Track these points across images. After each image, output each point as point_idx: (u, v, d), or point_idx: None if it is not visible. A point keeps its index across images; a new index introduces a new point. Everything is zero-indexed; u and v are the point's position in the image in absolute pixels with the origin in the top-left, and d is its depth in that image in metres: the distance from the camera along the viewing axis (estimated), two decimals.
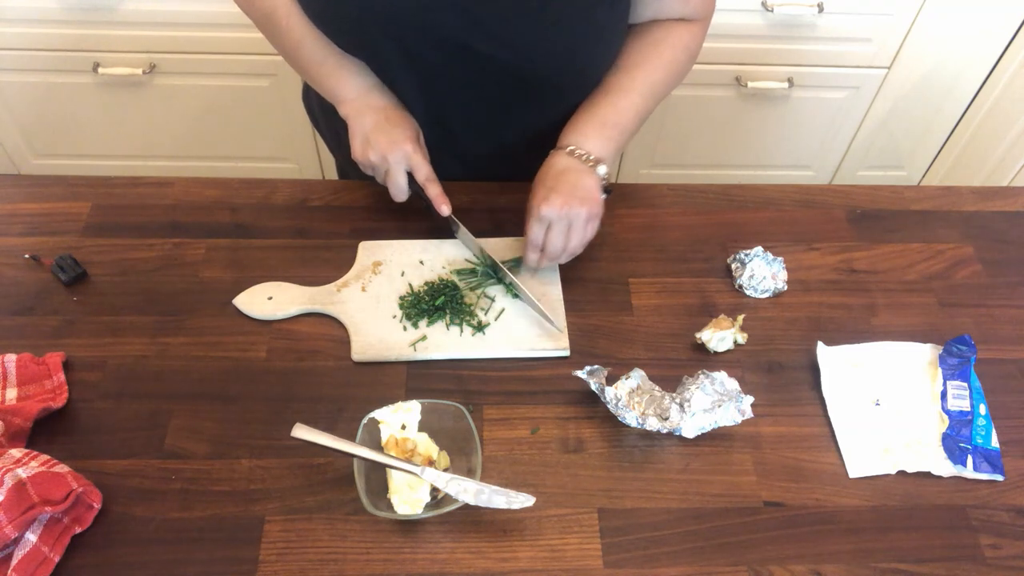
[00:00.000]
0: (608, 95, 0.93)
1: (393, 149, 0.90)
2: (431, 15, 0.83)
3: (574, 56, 0.89)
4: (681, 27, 0.95)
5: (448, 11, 0.83)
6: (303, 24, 0.90)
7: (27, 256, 0.93)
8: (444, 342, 0.88)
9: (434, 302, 0.90)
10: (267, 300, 0.90)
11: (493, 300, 0.92)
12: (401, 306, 0.91)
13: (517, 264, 0.95)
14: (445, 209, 0.93)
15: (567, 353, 0.87)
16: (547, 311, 0.89)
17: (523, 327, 0.89)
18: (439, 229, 0.98)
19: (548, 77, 0.91)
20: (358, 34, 0.88)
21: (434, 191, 0.93)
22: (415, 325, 0.89)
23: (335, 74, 0.93)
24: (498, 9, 0.82)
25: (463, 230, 0.96)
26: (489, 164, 1.05)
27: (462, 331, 0.89)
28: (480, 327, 0.89)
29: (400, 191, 0.93)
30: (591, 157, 0.90)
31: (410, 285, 0.93)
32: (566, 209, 0.86)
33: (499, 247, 0.97)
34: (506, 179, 1.05)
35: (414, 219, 1.00)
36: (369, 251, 0.97)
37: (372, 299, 0.91)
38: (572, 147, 0.90)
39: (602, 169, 0.90)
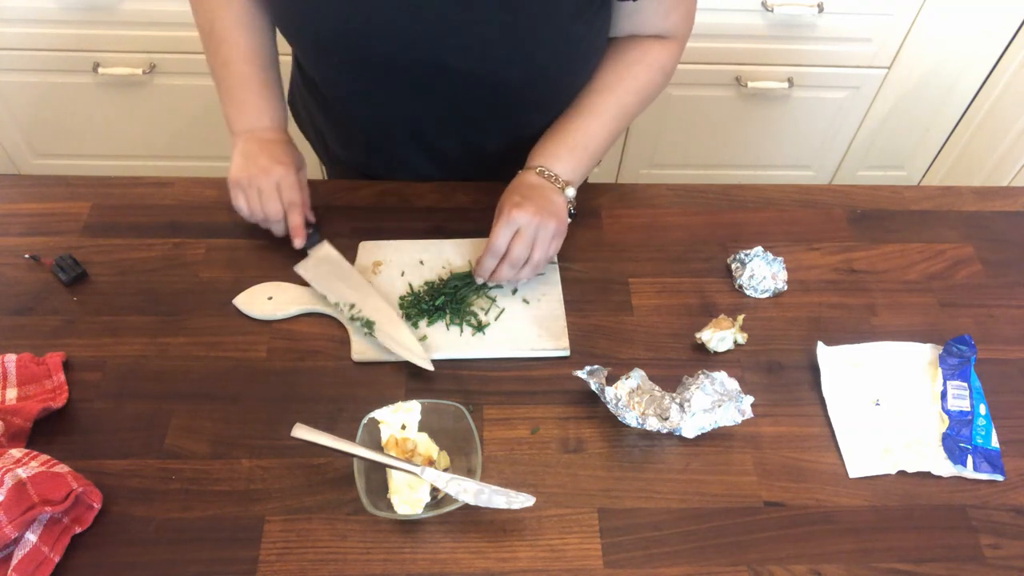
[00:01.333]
0: (580, 117, 0.93)
1: (264, 173, 0.90)
2: (407, 35, 0.83)
3: (550, 71, 0.89)
4: (658, 46, 0.94)
5: (423, 30, 0.82)
6: (231, 51, 0.91)
7: (27, 256, 0.93)
8: (444, 342, 0.87)
9: (434, 302, 0.90)
10: (267, 300, 0.90)
11: (494, 300, 0.92)
12: (401, 306, 0.91)
13: (463, 283, 0.92)
14: (298, 242, 0.93)
15: (567, 353, 0.87)
16: (538, 318, 0.89)
17: (523, 327, 0.89)
18: (438, 229, 0.98)
19: (524, 91, 0.91)
20: (335, 53, 0.88)
21: (295, 221, 0.92)
22: (415, 325, 0.89)
23: (239, 107, 0.93)
24: (474, 27, 0.82)
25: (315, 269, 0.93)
26: (466, 169, 1.05)
27: (462, 331, 0.89)
28: (480, 327, 0.89)
29: (274, 216, 0.91)
30: (560, 179, 0.91)
31: (410, 285, 0.93)
32: (538, 218, 0.86)
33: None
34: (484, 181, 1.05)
35: (414, 219, 1.00)
36: (369, 251, 0.96)
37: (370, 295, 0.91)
38: (542, 168, 0.91)
39: (570, 191, 0.91)
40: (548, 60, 0.87)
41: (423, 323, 0.89)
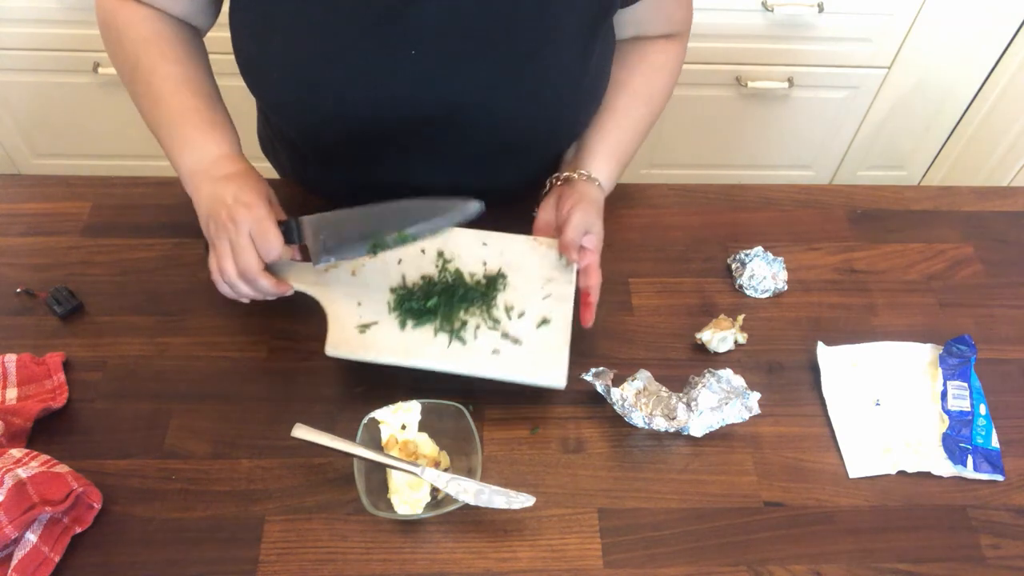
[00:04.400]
0: (620, 129, 0.93)
1: (237, 211, 0.75)
2: (414, 99, 0.81)
3: (560, 115, 0.88)
4: (672, 46, 0.95)
5: (429, 93, 0.80)
6: (163, 84, 0.81)
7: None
8: (428, 350, 0.79)
9: (425, 302, 0.82)
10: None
11: (491, 317, 0.82)
12: (391, 300, 0.83)
13: (462, 287, 0.83)
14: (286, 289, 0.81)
15: (562, 386, 0.78)
16: (538, 342, 0.80)
17: (518, 350, 0.80)
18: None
19: (534, 137, 0.90)
20: (336, 125, 0.84)
21: (271, 286, 0.79)
22: (402, 325, 0.81)
23: (180, 143, 0.81)
24: (482, 84, 0.80)
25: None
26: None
27: (450, 342, 0.80)
28: (462, 338, 0.80)
29: (270, 247, 0.76)
30: (603, 190, 0.91)
31: (403, 276, 0.84)
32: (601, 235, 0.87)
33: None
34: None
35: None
36: None
37: (361, 286, 0.83)
38: (600, 183, 0.90)
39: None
40: (556, 106, 0.86)
41: (410, 324, 0.81)
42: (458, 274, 0.85)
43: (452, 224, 0.78)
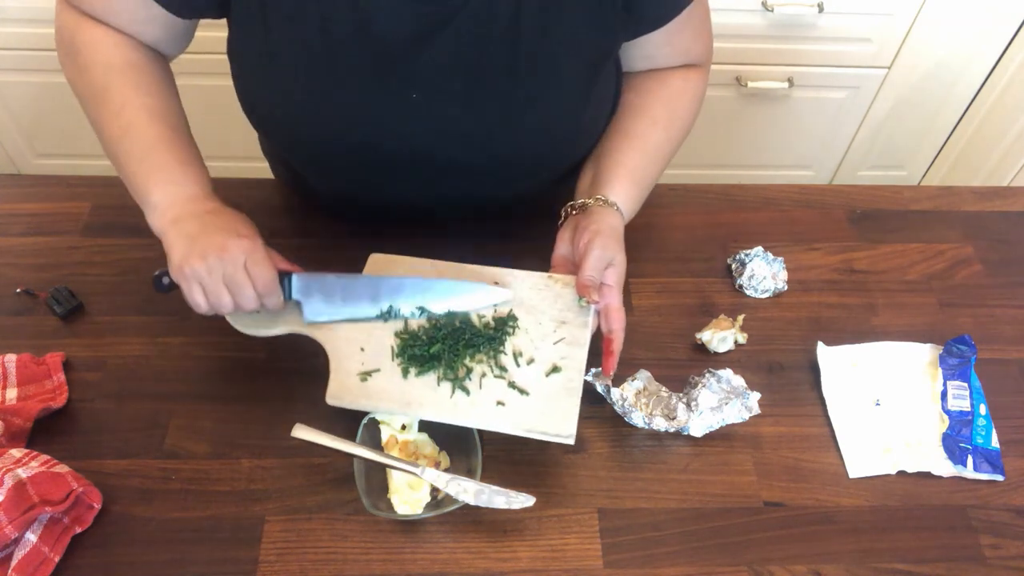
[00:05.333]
0: (644, 158, 0.89)
1: (223, 252, 0.71)
2: (414, 139, 0.81)
3: (560, 151, 0.87)
4: (692, 74, 0.91)
5: (429, 134, 0.80)
6: (136, 114, 0.77)
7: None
8: (429, 399, 0.75)
9: (429, 348, 0.77)
10: (256, 313, 0.79)
11: (498, 362, 0.78)
12: (396, 345, 0.78)
13: (468, 331, 0.78)
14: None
15: (571, 441, 0.73)
16: (547, 390, 0.76)
17: (524, 401, 0.75)
18: (454, 246, 0.87)
19: (533, 170, 0.89)
20: (335, 161, 0.84)
21: (273, 307, 0.77)
22: (404, 373, 0.76)
23: (154, 175, 0.76)
24: (483, 127, 0.80)
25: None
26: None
27: (452, 392, 0.76)
28: (463, 388, 0.76)
29: (249, 307, 0.74)
30: (624, 217, 0.87)
31: (405, 322, 0.79)
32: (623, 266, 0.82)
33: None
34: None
35: (422, 227, 0.97)
36: (378, 266, 0.85)
37: (365, 331, 0.79)
38: (619, 207, 0.85)
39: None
40: (559, 141, 0.85)
41: (412, 372, 0.76)
42: (465, 317, 0.80)
43: (476, 309, 0.79)
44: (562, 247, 0.85)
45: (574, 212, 0.86)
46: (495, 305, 0.81)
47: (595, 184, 0.87)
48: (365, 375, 0.77)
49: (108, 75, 0.78)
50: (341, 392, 0.76)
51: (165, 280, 0.76)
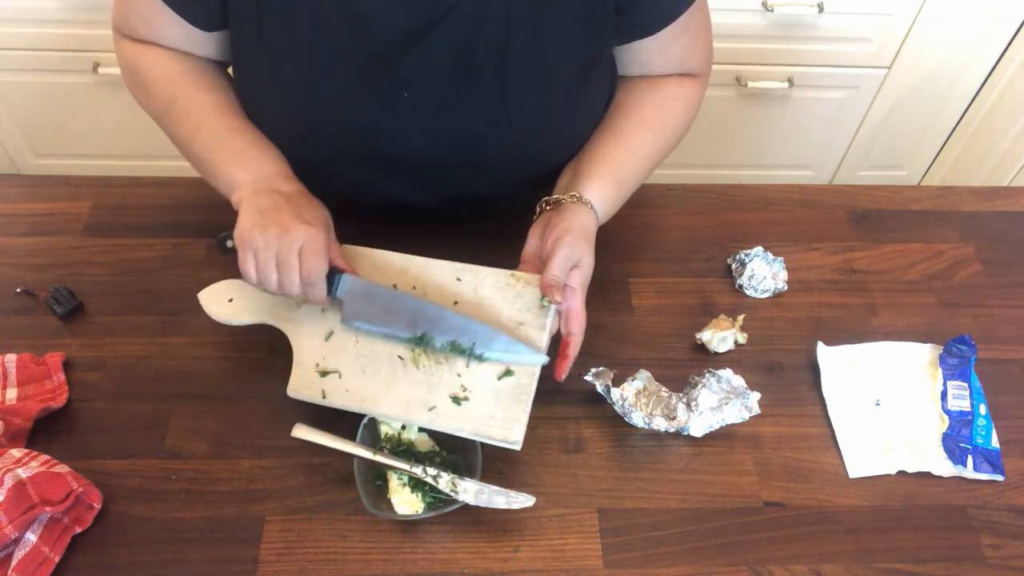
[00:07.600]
0: (632, 159, 0.87)
1: (285, 232, 0.72)
2: (406, 139, 0.81)
3: (550, 151, 0.87)
4: (687, 82, 0.90)
5: (421, 134, 0.81)
6: (203, 111, 0.82)
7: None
8: (386, 397, 0.76)
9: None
10: (227, 302, 0.82)
11: (468, 355, 0.77)
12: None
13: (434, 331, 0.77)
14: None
15: (517, 447, 0.73)
16: (498, 391, 0.75)
17: (474, 402, 0.75)
18: (428, 244, 0.86)
19: (524, 169, 0.89)
20: (329, 160, 0.85)
21: (316, 299, 0.77)
22: (363, 370, 0.78)
23: (234, 159, 0.80)
24: (473, 127, 0.80)
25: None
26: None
27: (417, 365, 0.77)
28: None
29: (292, 292, 0.75)
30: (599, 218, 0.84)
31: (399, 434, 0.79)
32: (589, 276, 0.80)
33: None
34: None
35: (413, 225, 0.98)
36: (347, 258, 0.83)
37: (327, 325, 0.80)
38: (592, 205, 0.83)
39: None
40: (549, 141, 0.85)
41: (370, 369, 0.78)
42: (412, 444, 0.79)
43: (508, 360, 0.76)
44: (532, 243, 0.83)
45: (548, 208, 0.84)
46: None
47: (574, 180, 0.85)
48: (324, 372, 0.78)
49: (170, 85, 0.83)
50: (301, 385, 0.78)
51: (229, 243, 0.78)
